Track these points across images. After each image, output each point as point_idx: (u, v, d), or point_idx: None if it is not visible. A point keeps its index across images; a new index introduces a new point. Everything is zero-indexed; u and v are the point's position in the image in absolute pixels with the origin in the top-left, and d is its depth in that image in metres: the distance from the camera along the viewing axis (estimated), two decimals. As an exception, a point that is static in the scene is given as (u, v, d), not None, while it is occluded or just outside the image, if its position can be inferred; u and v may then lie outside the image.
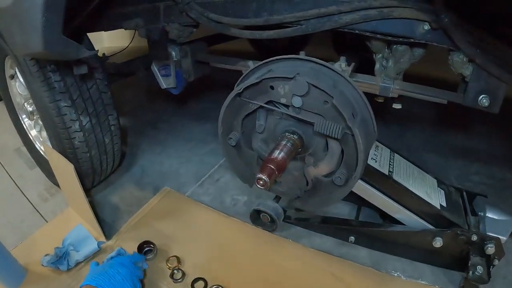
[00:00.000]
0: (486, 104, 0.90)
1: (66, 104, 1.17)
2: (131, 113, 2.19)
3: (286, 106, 0.83)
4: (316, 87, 0.76)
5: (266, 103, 0.84)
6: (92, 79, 1.22)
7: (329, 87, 0.76)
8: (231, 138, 0.91)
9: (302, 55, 0.91)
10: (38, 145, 1.51)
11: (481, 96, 0.90)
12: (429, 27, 0.86)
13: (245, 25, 1.00)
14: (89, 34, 1.35)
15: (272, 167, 0.76)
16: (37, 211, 1.45)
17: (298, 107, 0.81)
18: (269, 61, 0.86)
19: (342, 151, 0.83)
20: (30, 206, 1.47)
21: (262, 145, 0.93)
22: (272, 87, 0.81)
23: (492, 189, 1.49)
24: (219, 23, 1.02)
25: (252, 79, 0.80)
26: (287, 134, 0.84)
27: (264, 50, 2.58)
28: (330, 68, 0.82)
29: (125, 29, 1.25)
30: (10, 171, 1.68)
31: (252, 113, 0.90)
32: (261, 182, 0.75)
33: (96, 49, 1.12)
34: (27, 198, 1.51)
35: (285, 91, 0.80)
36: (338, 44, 2.07)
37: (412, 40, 0.89)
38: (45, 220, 1.39)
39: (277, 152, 0.80)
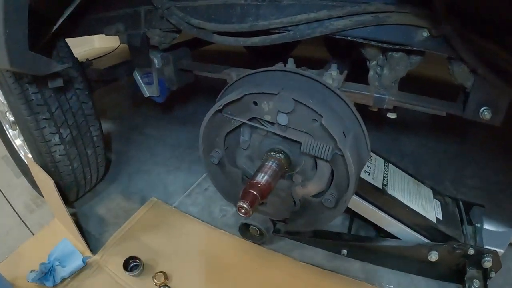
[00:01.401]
0: (488, 117, 0.79)
1: (44, 117, 1.06)
2: (117, 118, 2.05)
3: (272, 123, 0.72)
4: (303, 104, 0.64)
5: (249, 120, 0.73)
6: (72, 90, 1.10)
7: (318, 104, 0.65)
8: (213, 156, 0.79)
9: (290, 63, 0.79)
10: (23, 155, 1.39)
11: (482, 109, 0.80)
12: (428, 34, 0.75)
13: (229, 31, 0.88)
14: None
15: (255, 193, 0.65)
16: (24, 222, 1.34)
17: (284, 125, 0.69)
18: (252, 73, 0.74)
19: (333, 171, 0.73)
20: (16, 217, 1.37)
21: (247, 162, 0.82)
22: (255, 103, 0.69)
23: (487, 193, 1.41)
24: (201, 29, 0.90)
25: (233, 95, 0.68)
26: (272, 153, 0.73)
27: (255, 50, 2.43)
28: (319, 82, 0.71)
29: (106, 35, 1.13)
30: (-4, 179, 1.57)
31: (236, 128, 0.78)
32: (243, 211, 0.64)
33: (86, 49, 1.01)
34: (14, 209, 1.40)
35: (269, 107, 0.68)
36: (330, 44, 1.94)
37: (409, 48, 0.78)
38: (31, 232, 1.30)
39: (260, 175, 0.69)
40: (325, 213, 0.76)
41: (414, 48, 0.78)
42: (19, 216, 1.37)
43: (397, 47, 0.79)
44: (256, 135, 0.78)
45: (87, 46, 2.71)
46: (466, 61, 0.75)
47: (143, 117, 2.05)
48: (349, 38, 0.80)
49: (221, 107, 0.70)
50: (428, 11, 0.71)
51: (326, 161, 0.68)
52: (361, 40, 0.80)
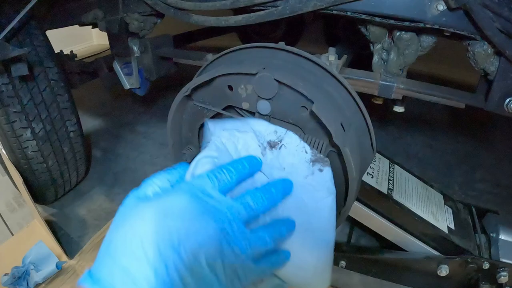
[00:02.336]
0: (515, 109, 0.61)
1: (15, 110, 0.92)
2: (109, 114, 1.88)
3: (251, 112, 0.54)
4: (288, 86, 0.47)
5: (225, 109, 0.55)
6: (45, 81, 0.95)
7: (309, 87, 0.47)
8: (184, 153, 0.62)
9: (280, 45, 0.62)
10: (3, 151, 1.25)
11: (508, 99, 0.61)
12: (445, 7, 0.57)
13: (210, 10, 0.71)
14: (77, 31, 1.08)
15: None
16: (4, 222, 1.20)
17: (266, 115, 0.52)
18: (230, 52, 0.57)
19: (328, 173, 0.55)
20: (-3, 216, 1.23)
21: (227, 161, 0.65)
22: (230, 87, 0.52)
23: (498, 198, 1.23)
24: (179, 9, 0.74)
25: (203, 77, 0.51)
26: (253, 150, 0.56)
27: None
28: (311, 61, 0.53)
29: (84, 22, 0.97)
30: (-19, 177, 1.43)
31: (213, 121, 0.61)
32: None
33: (84, 46, 0.88)
34: (-5, 208, 1.26)
35: (247, 92, 0.51)
36: (330, 36, 1.74)
37: (421, 25, 0.60)
38: (11, 233, 1.15)
39: (235, 177, 0.52)
40: (318, 224, 0.58)
41: (427, 25, 0.60)
42: (0, 215, 1.23)
43: (407, 24, 0.62)
44: (236, 128, 0.60)
45: (86, 43, 2.57)
46: (491, 41, 0.57)
47: (136, 113, 1.87)
48: (348, 13, 0.62)
49: (188, 92, 0.53)
50: (447, -26, 0.53)
51: (319, 160, 0.50)
52: (363, 16, 0.62)
